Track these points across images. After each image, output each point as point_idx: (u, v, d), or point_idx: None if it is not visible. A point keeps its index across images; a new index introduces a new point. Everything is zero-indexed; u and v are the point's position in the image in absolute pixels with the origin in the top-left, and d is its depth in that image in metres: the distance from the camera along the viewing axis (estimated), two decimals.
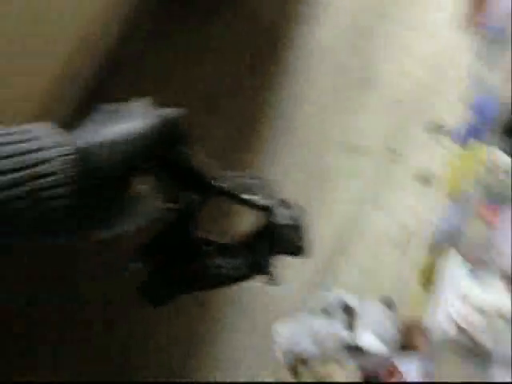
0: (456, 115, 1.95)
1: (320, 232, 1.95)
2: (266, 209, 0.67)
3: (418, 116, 2.09)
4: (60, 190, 0.50)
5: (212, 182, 0.64)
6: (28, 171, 0.49)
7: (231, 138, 2.03)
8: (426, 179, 1.97)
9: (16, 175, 0.49)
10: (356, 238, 1.96)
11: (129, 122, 0.55)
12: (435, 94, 2.12)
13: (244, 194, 0.66)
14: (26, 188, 0.49)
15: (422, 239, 1.83)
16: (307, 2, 2.41)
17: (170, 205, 0.62)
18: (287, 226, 0.67)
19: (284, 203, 0.68)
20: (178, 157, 0.61)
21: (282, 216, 0.67)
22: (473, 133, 1.75)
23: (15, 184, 0.48)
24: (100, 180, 0.53)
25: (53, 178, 0.50)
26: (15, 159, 0.49)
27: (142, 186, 0.58)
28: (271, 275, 0.68)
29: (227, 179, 0.66)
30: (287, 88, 2.18)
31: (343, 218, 1.98)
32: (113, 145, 0.53)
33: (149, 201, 0.59)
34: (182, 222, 0.64)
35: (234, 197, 0.66)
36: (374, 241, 1.95)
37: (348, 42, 2.29)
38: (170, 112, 0.57)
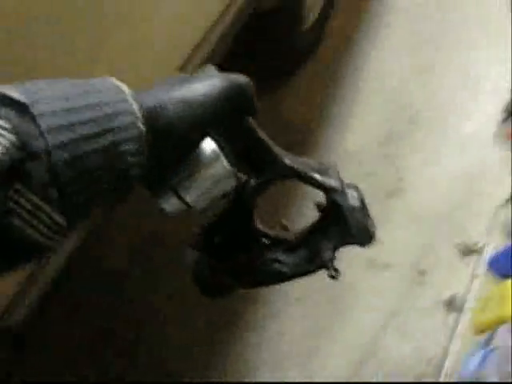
0: (493, 239, 1.79)
1: (335, 354, 1.78)
2: (335, 190, 0.63)
3: (449, 235, 1.92)
4: (129, 146, 0.49)
5: (282, 159, 0.60)
6: (102, 125, 0.48)
7: None
8: (453, 307, 1.79)
9: (91, 129, 0.47)
10: (372, 363, 1.78)
11: (196, 83, 0.55)
12: (468, 213, 1.96)
13: (313, 174, 0.62)
14: (101, 142, 0.47)
15: (445, 375, 1.64)
16: (337, 104, 2.30)
17: (241, 175, 0.58)
18: (358, 208, 0.63)
19: (351, 185, 0.64)
20: (245, 130, 0.58)
21: (352, 198, 0.63)
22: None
23: (90, 136, 0.47)
24: (169, 139, 0.53)
25: (123, 133, 0.49)
26: (90, 112, 0.47)
27: (214, 152, 0.56)
28: (333, 269, 0.64)
29: (293, 160, 0.61)
30: (310, 196, 2.04)
31: (361, 339, 1.81)
32: (180, 103, 0.53)
33: (220, 166, 0.56)
34: (244, 205, 0.61)
35: (303, 177, 0.62)
36: (390, 369, 1.76)
37: (377, 149, 2.16)
38: (237, 77, 0.57)
